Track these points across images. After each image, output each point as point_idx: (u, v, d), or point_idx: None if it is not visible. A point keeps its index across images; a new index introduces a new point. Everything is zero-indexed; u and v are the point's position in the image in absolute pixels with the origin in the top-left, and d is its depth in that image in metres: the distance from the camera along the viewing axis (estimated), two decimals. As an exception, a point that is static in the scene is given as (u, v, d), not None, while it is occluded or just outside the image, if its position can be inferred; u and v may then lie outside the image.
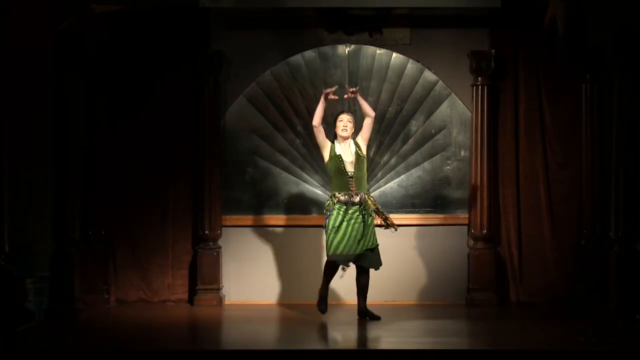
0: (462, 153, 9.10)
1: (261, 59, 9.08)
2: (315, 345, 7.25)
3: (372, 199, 8.02)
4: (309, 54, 9.11)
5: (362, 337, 7.41)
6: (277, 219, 9.06)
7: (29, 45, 8.46)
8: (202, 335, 7.83)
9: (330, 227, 7.78)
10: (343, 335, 7.51)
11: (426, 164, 9.11)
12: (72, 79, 8.28)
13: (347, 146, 7.98)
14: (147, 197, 8.96)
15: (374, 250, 7.88)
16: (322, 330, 7.61)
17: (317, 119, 7.96)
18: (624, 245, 8.21)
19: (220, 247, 8.95)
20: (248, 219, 9.07)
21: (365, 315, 7.94)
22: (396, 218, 9.02)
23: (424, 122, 9.10)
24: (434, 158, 9.11)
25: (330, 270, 7.89)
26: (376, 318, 7.92)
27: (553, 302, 8.81)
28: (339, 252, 7.73)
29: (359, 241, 7.77)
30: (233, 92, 9.10)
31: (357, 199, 7.86)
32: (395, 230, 8.08)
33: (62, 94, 8.25)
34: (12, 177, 7.79)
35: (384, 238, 8.97)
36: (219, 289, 8.89)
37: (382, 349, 6.98)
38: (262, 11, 8.94)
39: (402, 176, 9.11)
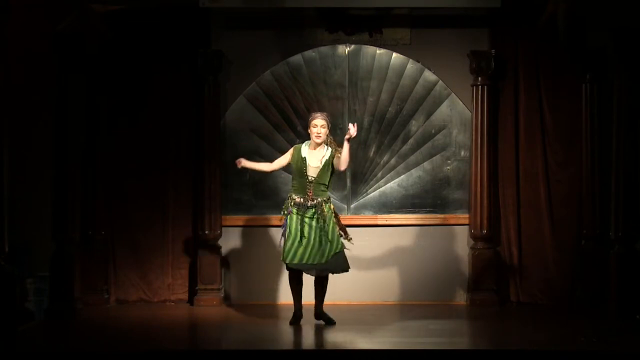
0: (462, 153, 9.10)
1: (261, 59, 9.08)
2: (315, 345, 7.25)
3: (329, 207, 7.69)
4: (309, 54, 9.11)
5: (362, 337, 7.40)
6: (277, 219, 9.03)
7: (29, 45, 8.47)
8: (202, 335, 7.83)
9: (292, 233, 7.58)
10: (343, 335, 7.51)
11: (426, 164, 9.11)
12: (72, 79, 8.27)
13: (319, 151, 7.71)
14: (147, 197, 8.96)
15: (339, 254, 7.65)
16: (322, 330, 7.60)
17: (269, 168, 7.92)
18: (624, 245, 8.21)
19: (220, 247, 8.96)
20: (248, 219, 9.08)
21: (321, 318, 7.76)
22: (396, 218, 9.08)
23: (424, 122, 9.10)
24: (434, 158, 9.11)
25: (296, 281, 7.72)
26: (332, 322, 7.75)
27: (553, 302, 8.81)
28: (304, 261, 7.55)
29: (324, 249, 7.56)
30: (233, 92, 9.10)
31: (309, 203, 7.62)
32: (350, 241, 7.76)
33: (62, 94, 8.24)
34: (12, 177, 7.79)
35: (383, 238, 9.01)
36: (219, 289, 8.89)
37: (383, 349, 6.97)
38: (262, 11, 8.94)
39: (402, 176, 9.12)
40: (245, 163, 7.87)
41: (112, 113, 8.94)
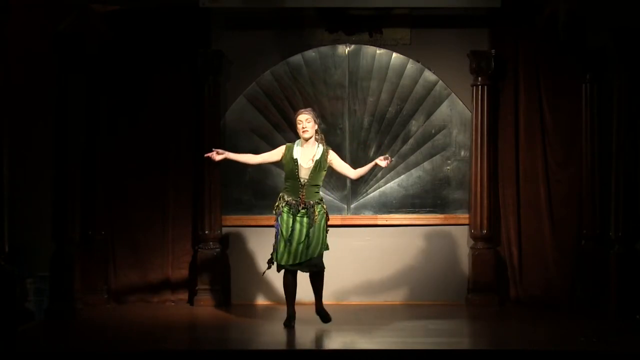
0: (462, 153, 9.11)
1: (261, 59, 9.08)
2: (315, 345, 7.25)
3: (322, 208, 7.63)
4: (309, 54, 9.11)
5: (362, 337, 7.41)
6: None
7: (29, 45, 8.47)
8: (202, 335, 7.83)
9: (284, 233, 7.56)
10: (343, 335, 7.51)
11: (426, 164, 9.11)
12: (72, 79, 8.28)
13: (310, 149, 7.64)
14: (147, 197, 8.96)
15: (321, 255, 7.61)
16: (321, 330, 7.60)
17: (253, 161, 7.85)
18: (624, 245, 8.22)
19: (220, 247, 8.96)
20: (248, 219, 9.08)
21: (320, 314, 7.72)
22: (396, 218, 9.08)
23: (424, 122, 9.11)
24: (434, 158, 9.11)
25: (291, 282, 7.66)
26: (328, 320, 7.69)
27: (553, 302, 8.81)
28: (296, 260, 7.52)
29: (311, 247, 7.52)
30: (233, 92, 9.11)
31: (301, 207, 7.57)
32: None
33: (62, 94, 8.25)
34: (12, 177, 7.79)
35: (383, 238, 9.01)
36: (219, 289, 8.89)
37: (383, 349, 6.97)
38: (262, 11, 8.95)
39: (402, 176, 9.12)
40: (226, 154, 7.70)
41: (112, 113, 8.94)
